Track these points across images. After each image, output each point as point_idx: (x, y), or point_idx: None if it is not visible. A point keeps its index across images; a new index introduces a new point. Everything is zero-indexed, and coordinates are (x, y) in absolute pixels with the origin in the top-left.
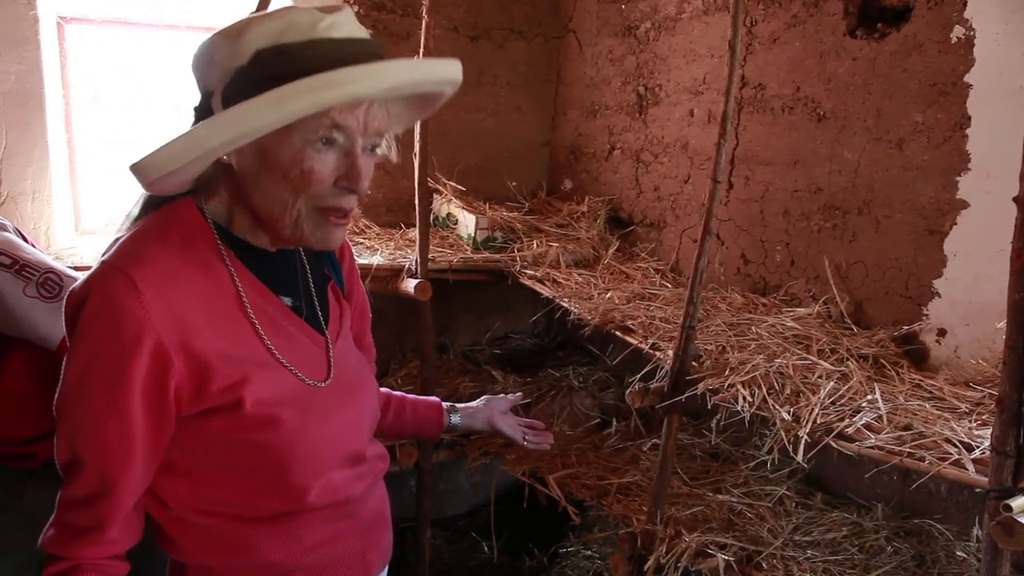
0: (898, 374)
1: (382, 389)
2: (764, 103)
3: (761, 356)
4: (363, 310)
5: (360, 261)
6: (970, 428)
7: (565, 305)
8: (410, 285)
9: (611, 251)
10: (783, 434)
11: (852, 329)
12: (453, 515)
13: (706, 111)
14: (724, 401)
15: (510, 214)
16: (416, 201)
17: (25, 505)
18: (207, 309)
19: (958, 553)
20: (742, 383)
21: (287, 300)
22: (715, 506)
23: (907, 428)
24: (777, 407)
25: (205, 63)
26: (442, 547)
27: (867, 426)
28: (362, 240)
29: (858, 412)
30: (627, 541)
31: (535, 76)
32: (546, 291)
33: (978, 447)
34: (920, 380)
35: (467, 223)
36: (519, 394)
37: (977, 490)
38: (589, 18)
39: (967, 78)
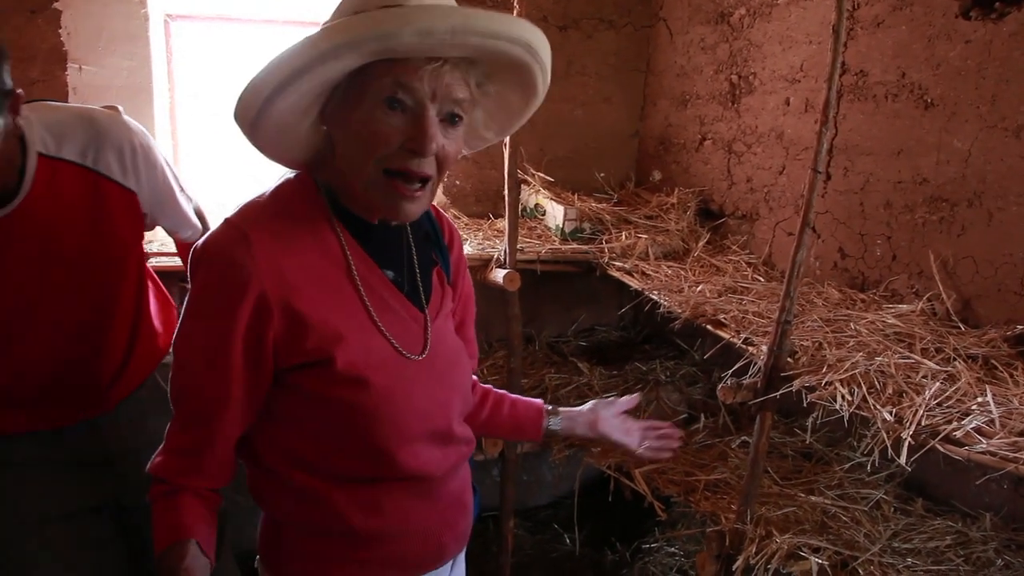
0: (1012, 376)
1: (484, 386)
2: (866, 90)
3: (860, 354)
4: (467, 301)
5: None
6: None
7: (655, 298)
8: (499, 275)
9: (701, 243)
10: (884, 435)
11: (959, 328)
12: (536, 506)
13: (803, 99)
14: (821, 399)
15: (598, 205)
16: (505, 191)
17: None
18: (312, 271)
19: None
20: (840, 381)
21: (389, 274)
22: (808, 507)
23: (1023, 434)
24: (878, 407)
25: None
26: (524, 537)
27: (977, 430)
28: None
29: (967, 415)
30: (715, 539)
31: (624, 66)
32: (635, 283)
33: None
34: None
35: (555, 214)
36: (634, 396)
37: None
38: (680, 6)
39: None
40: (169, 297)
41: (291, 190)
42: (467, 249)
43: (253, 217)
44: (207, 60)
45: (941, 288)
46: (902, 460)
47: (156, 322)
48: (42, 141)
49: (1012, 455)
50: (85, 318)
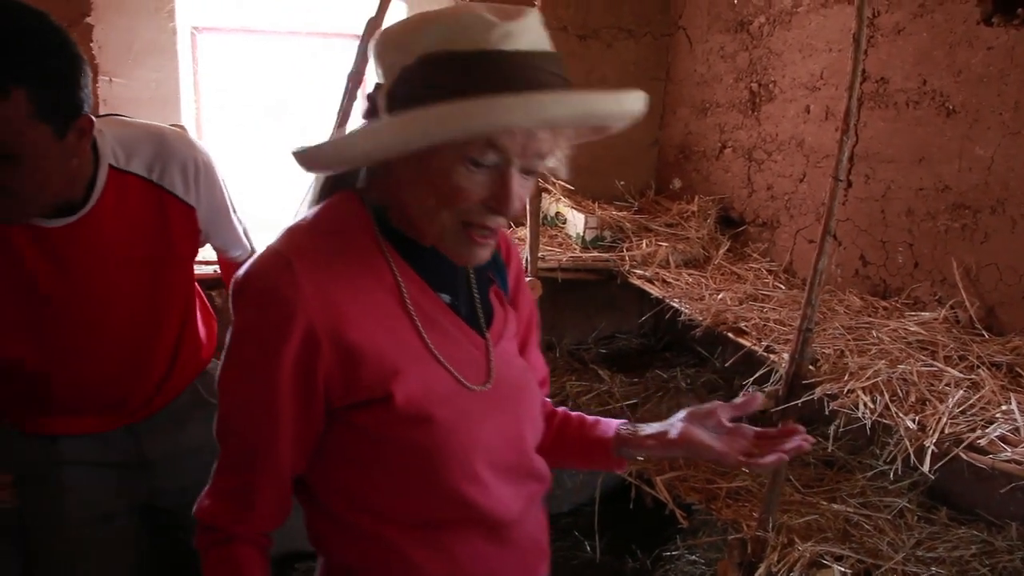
0: None
1: (558, 408)
2: (887, 98)
3: (883, 362)
4: (530, 320)
5: None
6: None
7: (676, 305)
8: None
9: (722, 251)
10: (907, 443)
11: (983, 335)
12: (556, 513)
13: (823, 107)
14: (843, 407)
15: (619, 213)
16: (526, 200)
17: None
18: (363, 300)
19: None
20: (863, 389)
21: (445, 297)
22: (830, 515)
23: None
24: (901, 415)
25: (378, 54)
26: None
27: (1002, 438)
28: None
29: (991, 423)
30: (736, 547)
31: (644, 75)
32: (656, 291)
33: None
34: None
35: (576, 222)
36: (760, 396)
37: None
38: (700, 14)
39: None
40: (210, 308)
41: (337, 211)
42: None
43: (297, 242)
44: (232, 71)
45: (964, 295)
46: (925, 468)
47: (201, 333)
48: (113, 154)
49: None
50: (140, 330)
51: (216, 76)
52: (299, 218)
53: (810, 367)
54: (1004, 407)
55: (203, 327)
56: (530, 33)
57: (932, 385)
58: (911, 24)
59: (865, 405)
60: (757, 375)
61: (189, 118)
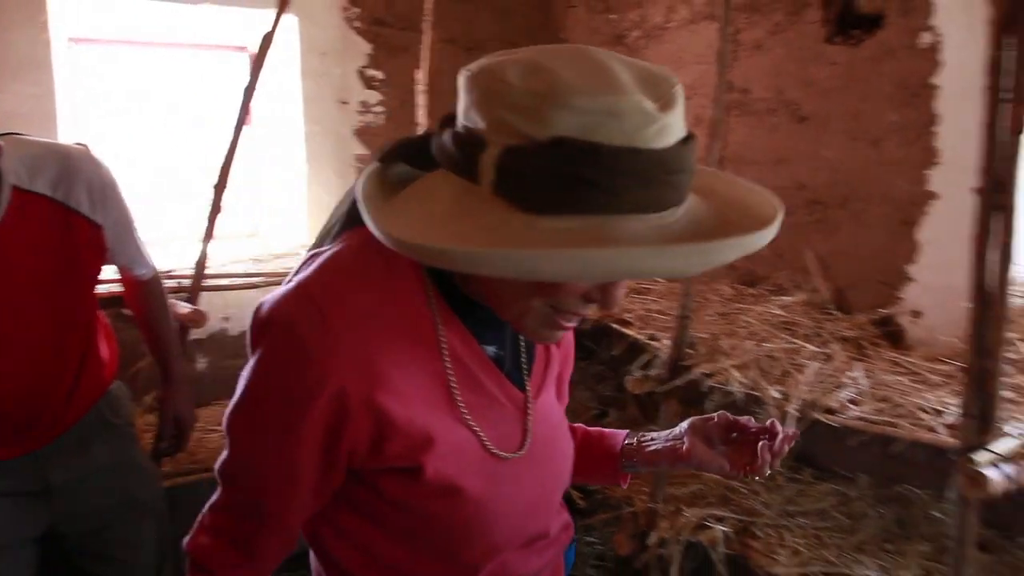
0: (878, 353)
1: (576, 426)
2: (749, 106)
3: (751, 342)
4: (568, 354)
5: None
6: (942, 398)
7: None
8: None
9: None
10: (774, 411)
11: (835, 314)
12: None
13: (694, 115)
14: (719, 384)
15: None
16: None
17: None
18: (400, 357)
19: (935, 514)
20: (735, 367)
21: (490, 349)
22: (712, 483)
23: (885, 400)
24: (767, 387)
25: (487, 99)
26: None
27: (851, 400)
28: None
29: (841, 388)
30: (630, 520)
31: None
32: None
33: (948, 413)
34: (897, 358)
35: None
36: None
37: (948, 452)
38: (580, 28)
39: (934, 80)
40: (110, 327)
41: (376, 247)
42: None
43: (332, 288)
44: (111, 83)
45: (819, 280)
46: (789, 431)
47: (103, 352)
48: (15, 174)
49: (878, 419)
50: (45, 351)
51: (100, 89)
52: (330, 248)
53: (689, 350)
54: (850, 374)
55: (105, 347)
56: (679, 123)
57: (793, 359)
58: (768, 41)
59: (738, 381)
60: (641, 361)
61: (68, 131)
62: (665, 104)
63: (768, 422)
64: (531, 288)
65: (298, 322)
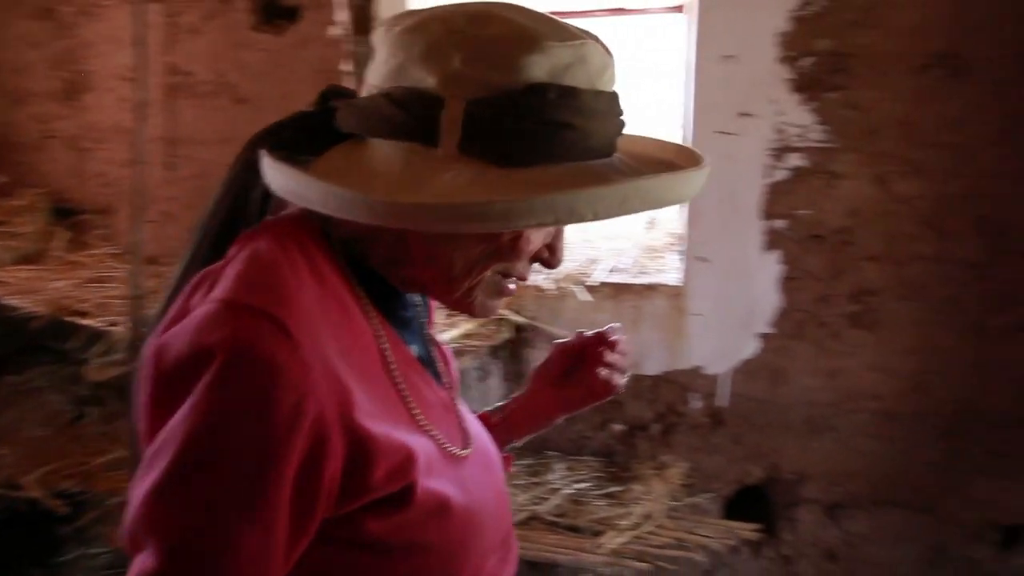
0: None
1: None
2: (194, 88)
3: None
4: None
5: None
6: None
7: (14, 303)
8: None
9: (58, 243)
10: None
11: None
12: None
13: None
14: None
15: None
16: None
17: None
18: (353, 362)
19: None
20: None
21: (414, 349)
22: None
23: None
24: None
25: (436, 53)
26: None
27: None
28: None
29: None
30: (118, 511)
31: None
32: None
33: None
34: None
35: None
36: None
37: None
38: None
39: (343, 66)
40: None
41: (291, 243)
42: None
43: (273, 290)
44: None
45: None
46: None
47: None
48: None
49: None
50: None
51: None
52: (232, 259)
53: (145, 329)
54: None
55: None
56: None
57: None
58: (203, 25)
59: None
60: (100, 349)
61: None
62: (606, 50)
63: (605, 328)
64: (488, 255)
65: (255, 340)
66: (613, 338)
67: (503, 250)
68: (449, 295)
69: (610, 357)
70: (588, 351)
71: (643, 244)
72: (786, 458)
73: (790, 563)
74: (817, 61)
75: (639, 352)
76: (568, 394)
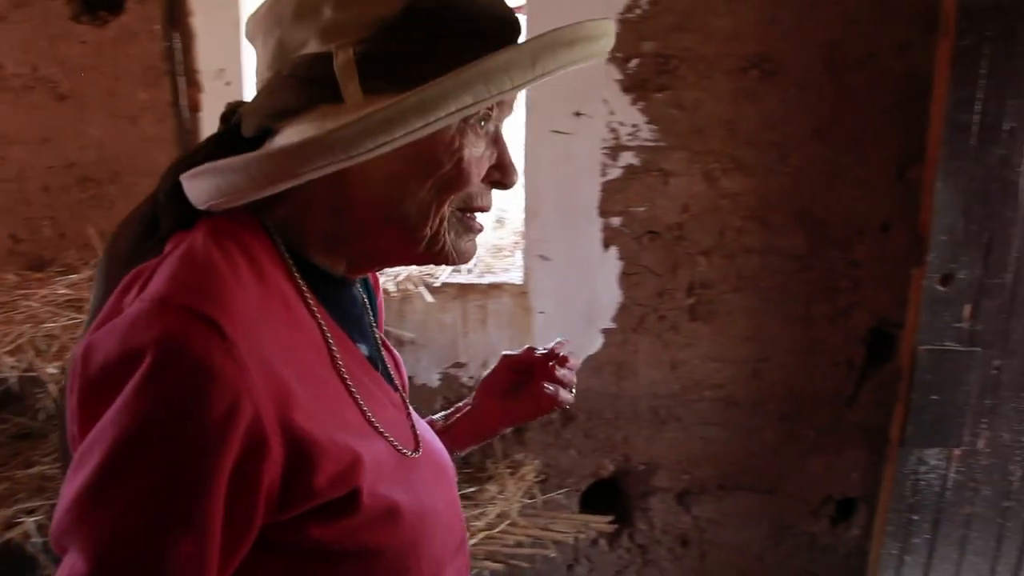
0: None
1: None
2: (6, 83)
3: (28, 325)
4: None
5: None
6: None
7: None
8: None
9: None
10: (55, 387)
11: None
12: None
13: None
14: None
15: None
16: None
17: None
18: (297, 365)
19: None
20: (7, 352)
21: (363, 348)
22: (26, 480)
23: None
24: (44, 364)
25: (304, 15)
26: None
27: None
28: None
29: None
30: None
31: None
32: None
33: None
34: None
35: None
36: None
37: None
38: None
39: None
40: None
41: (229, 239)
42: None
43: (208, 291)
44: None
45: (101, 254)
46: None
47: None
48: None
49: None
50: None
51: None
52: (167, 255)
53: None
54: None
55: None
56: None
57: (74, 334)
58: (14, 14)
59: (10, 366)
60: None
61: None
62: None
63: (554, 343)
64: (438, 189)
65: (186, 339)
66: (563, 353)
67: (450, 179)
68: (416, 248)
69: (560, 372)
70: (537, 366)
71: (490, 244)
72: (636, 450)
73: (646, 551)
74: (643, 62)
75: (487, 352)
76: (514, 407)
